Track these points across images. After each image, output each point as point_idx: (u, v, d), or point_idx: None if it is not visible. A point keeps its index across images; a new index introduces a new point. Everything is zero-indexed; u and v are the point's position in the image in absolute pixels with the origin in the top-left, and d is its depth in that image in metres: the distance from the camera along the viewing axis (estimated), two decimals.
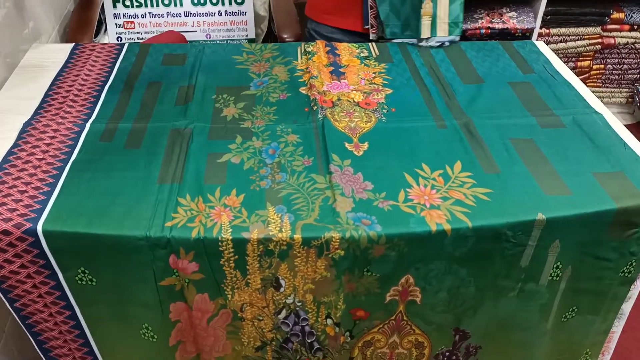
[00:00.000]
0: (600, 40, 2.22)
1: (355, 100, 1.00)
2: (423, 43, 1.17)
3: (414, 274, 0.81)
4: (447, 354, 0.92)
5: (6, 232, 0.74)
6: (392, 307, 0.84)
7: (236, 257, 0.77)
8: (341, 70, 1.09)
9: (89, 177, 0.82)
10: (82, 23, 1.55)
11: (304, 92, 1.03)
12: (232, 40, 1.89)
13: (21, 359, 1.11)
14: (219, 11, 2.02)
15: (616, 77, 2.34)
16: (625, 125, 0.99)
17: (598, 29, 2.20)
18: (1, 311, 1.04)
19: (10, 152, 0.85)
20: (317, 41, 1.18)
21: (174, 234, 0.74)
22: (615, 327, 0.95)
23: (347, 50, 1.16)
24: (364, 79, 1.07)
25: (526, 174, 0.84)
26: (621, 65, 2.30)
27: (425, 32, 1.16)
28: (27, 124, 0.91)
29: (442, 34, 1.16)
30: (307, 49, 1.15)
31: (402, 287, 0.82)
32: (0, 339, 1.05)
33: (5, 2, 1.14)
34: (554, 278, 0.85)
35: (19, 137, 0.88)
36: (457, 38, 1.17)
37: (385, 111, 0.98)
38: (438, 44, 1.17)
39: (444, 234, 0.76)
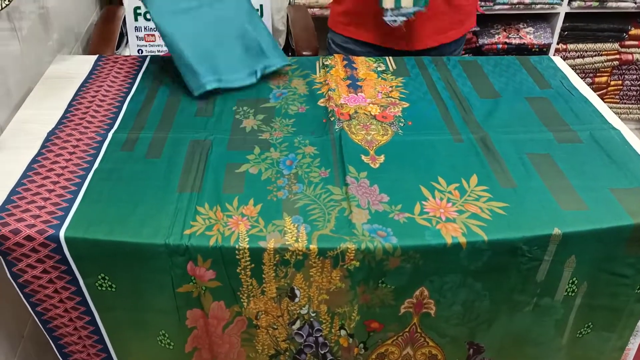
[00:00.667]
0: (618, 56, 2.22)
1: (372, 114, 1.02)
2: (388, 17, 1.13)
3: (429, 287, 0.81)
4: None
5: (29, 238, 0.76)
6: (406, 319, 0.85)
7: (252, 265, 0.78)
8: (358, 83, 1.11)
9: (110, 186, 0.84)
10: (104, 36, 1.59)
11: (322, 104, 1.04)
12: None
13: None
14: None
15: (634, 93, 2.33)
16: None
17: (616, 45, 2.20)
18: (20, 316, 1.06)
19: (34, 161, 0.88)
20: (335, 55, 1.20)
21: (192, 241, 0.75)
22: (631, 344, 0.94)
23: (364, 64, 1.17)
24: (381, 92, 1.08)
25: (543, 188, 0.85)
26: (639, 82, 2.29)
27: (387, 1, 1.12)
28: (51, 133, 0.94)
29: (406, 4, 1.12)
30: (325, 63, 1.17)
31: (416, 300, 0.82)
32: (19, 343, 1.07)
33: (30, 14, 1.18)
34: (570, 294, 0.85)
35: (42, 146, 0.91)
36: (424, 9, 1.12)
37: (401, 124, 0.99)
38: (403, 17, 1.13)
39: (459, 247, 0.76)
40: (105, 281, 0.81)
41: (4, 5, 0.93)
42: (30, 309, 0.85)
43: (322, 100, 1.05)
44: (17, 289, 0.82)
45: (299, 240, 0.76)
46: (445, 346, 0.89)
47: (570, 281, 0.83)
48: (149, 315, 0.85)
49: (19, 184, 0.83)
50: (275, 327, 0.85)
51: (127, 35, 1.72)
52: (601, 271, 0.84)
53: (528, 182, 0.86)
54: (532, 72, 1.16)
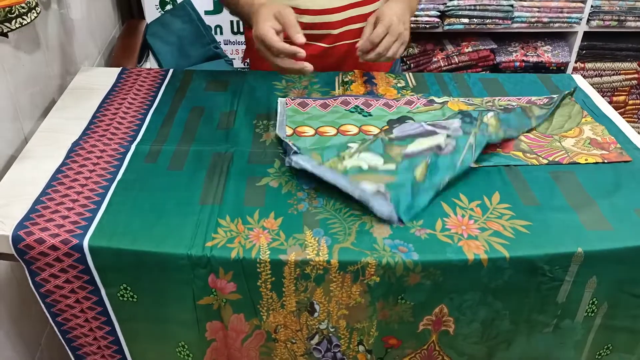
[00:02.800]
0: (636, 75, 2.21)
1: None
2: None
3: (448, 304, 0.80)
4: None
5: (54, 248, 0.77)
6: (424, 336, 0.84)
7: (273, 279, 0.78)
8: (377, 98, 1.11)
9: (133, 196, 0.85)
10: (126, 49, 1.61)
11: None
12: None
13: None
14: (240, 40, 2.07)
15: None
16: None
17: (634, 64, 2.19)
18: (38, 325, 1.07)
19: (58, 170, 0.89)
20: (354, 70, 1.20)
21: (214, 253, 0.76)
22: None
23: (384, 80, 1.18)
24: None
25: (566, 207, 0.84)
26: None
27: None
28: (76, 143, 0.95)
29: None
30: (345, 79, 1.18)
31: (435, 317, 0.82)
32: (36, 352, 1.08)
33: (55, 26, 1.20)
34: (590, 314, 0.84)
35: (67, 157, 0.92)
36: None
37: None
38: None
39: (480, 265, 0.76)
40: (127, 291, 0.81)
41: (32, 17, 0.95)
42: (50, 318, 0.85)
43: None
44: (39, 298, 0.83)
45: (320, 253, 0.76)
46: None
47: (591, 301, 0.82)
48: (169, 327, 0.85)
49: (43, 193, 0.84)
50: (294, 341, 0.85)
51: (149, 48, 1.75)
52: (622, 292, 0.83)
53: (551, 201, 0.85)
54: (554, 91, 1.15)
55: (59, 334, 0.88)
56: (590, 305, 0.83)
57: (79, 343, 0.89)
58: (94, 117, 1.03)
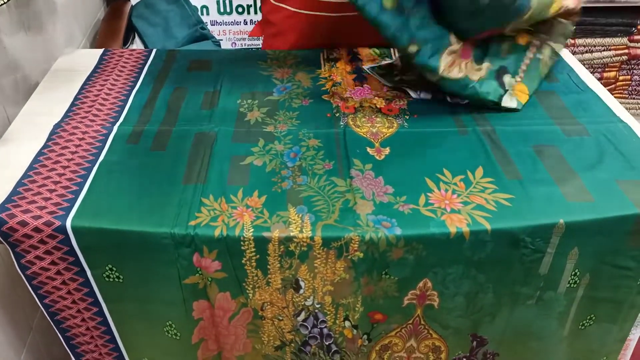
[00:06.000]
0: (627, 51, 2.20)
1: (378, 106, 1.02)
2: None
3: (432, 278, 0.81)
4: (464, 359, 0.92)
5: (37, 230, 0.77)
6: (409, 310, 0.85)
7: (257, 256, 0.78)
8: (364, 75, 1.11)
9: (116, 178, 0.85)
10: (111, 31, 1.60)
11: (326, 98, 1.04)
12: (258, 48, 1.93)
13: (47, 355, 1.14)
14: (244, 20, 2.06)
15: None
16: None
17: (625, 40, 2.18)
18: (28, 309, 1.07)
19: (40, 153, 0.89)
20: (340, 48, 1.20)
21: (197, 232, 0.76)
22: (632, 335, 0.94)
23: (369, 57, 1.17)
24: (386, 85, 1.08)
25: (549, 180, 0.84)
26: None
27: None
28: (57, 125, 0.95)
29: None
30: (330, 56, 1.17)
31: (420, 291, 0.83)
32: (27, 335, 1.08)
33: (38, 9, 1.19)
34: (572, 285, 0.85)
35: (49, 139, 0.92)
36: None
37: (407, 117, 0.99)
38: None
39: (462, 238, 0.76)
40: (113, 272, 0.82)
41: (5, 0, 0.94)
42: (38, 301, 0.86)
43: (326, 95, 1.05)
44: (26, 281, 0.83)
45: (304, 230, 0.77)
46: (448, 338, 0.89)
47: (573, 273, 0.83)
48: (155, 307, 0.86)
49: (25, 175, 0.84)
50: (281, 318, 0.86)
51: (134, 30, 1.73)
52: (604, 264, 0.84)
53: (534, 174, 0.86)
54: None
55: (47, 316, 0.88)
56: (572, 277, 0.84)
57: (67, 325, 0.90)
58: (75, 99, 1.02)
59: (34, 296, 0.85)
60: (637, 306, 0.90)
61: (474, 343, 0.90)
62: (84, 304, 0.86)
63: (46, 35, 1.23)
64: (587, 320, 0.91)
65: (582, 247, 0.81)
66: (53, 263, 0.81)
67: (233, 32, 2.08)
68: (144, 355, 0.94)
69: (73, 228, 0.76)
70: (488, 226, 0.76)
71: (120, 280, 0.82)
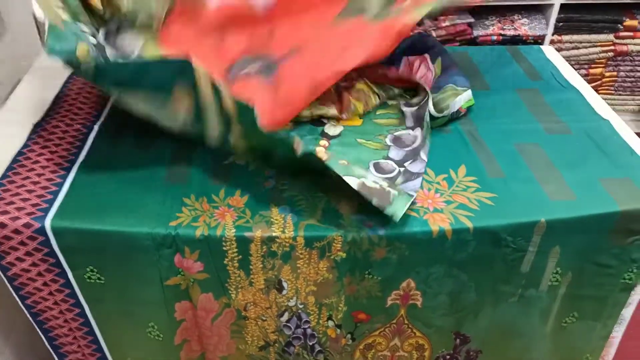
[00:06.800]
0: (612, 47, 2.21)
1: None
2: None
3: (415, 278, 0.81)
4: (448, 357, 0.93)
5: (17, 231, 0.76)
6: (393, 311, 0.85)
7: (240, 257, 0.78)
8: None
9: (96, 177, 0.84)
10: None
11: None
12: None
13: (31, 355, 1.12)
14: None
15: (629, 84, 2.32)
16: (637, 134, 0.98)
17: (611, 36, 2.19)
18: (12, 308, 1.06)
19: (19, 153, 0.87)
20: None
21: (178, 232, 0.75)
22: (615, 332, 0.95)
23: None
24: None
25: (531, 179, 0.85)
26: (634, 73, 2.29)
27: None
28: (37, 125, 0.93)
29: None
30: None
31: (403, 292, 0.83)
32: (10, 334, 1.07)
33: (20, 6, 1.17)
34: (554, 283, 0.85)
35: (28, 138, 0.90)
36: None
37: None
38: None
39: (444, 237, 0.76)
40: (94, 273, 0.81)
41: None
42: (20, 302, 0.85)
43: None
44: (7, 283, 0.82)
45: (286, 230, 0.76)
46: (432, 336, 0.89)
47: (554, 271, 0.84)
48: (137, 308, 0.85)
49: (4, 176, 0.83)
50: (264, 318, 0.85)
51: None
52: (586, 262, 0.85)
53: (516, 173, 0.86)
54: (523, 63, 1.15)
55: (30, 317, 0.88)
56: (554, 275, 0.84)
57: (50, 325, 0.89)
58: (56, 97, 1.01)
59: (16, 297, 0.84)
60: (620, 304, 0.90)
61: (457, 341, 0.90)
62: (66, 305, 0.86)
63: (29, 32, 1.21)
64: (570, 318, 0.92)
65: (564, 246, 0.81)
66: (34, 264, 0.80)
67: None
68: (127, 355, 0.94)
69: (53, 229, 0.76)
70: (470, 225, 0.76)
71: (102, 282, 0.82)
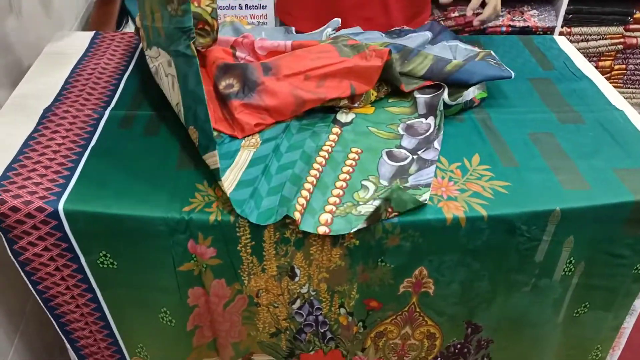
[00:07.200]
0: (622, 40, 2.20)
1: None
2: None
3: (428, 266, 0.81)
4: (459, 346, 0.92)
5: (30, 215, 0.76)
6: (405, 298, 0.85)
7: (253, 243, 0.77)
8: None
9: (108, 163, 0.83)
10: (103, 14, 1.57)
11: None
12: None
13: (41, 341, 1.13)
14: (239, 4, 2.03)
15: (638, 77, 2.31)
16: None
17: (620, 29, 2.18)
18: (22, 294, 1.06)
19: (30, 137, 0.87)
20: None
21: (192, 217, 0.75)
22: (626, 323, 0.94)
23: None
24: None
25: (545, 168, 0.84)
26: None
27: None
28: (48, 109, 0.93)
29: None
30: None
31: (415, 279, 0.82)
32: (20, 321, 1.07)
33: None
34: (567, 273, 0.85)
35: (39, 122, 0.90)
36: None
37: None
38: None
39: (458, 225, 0.76)
40: (107, 258, 0.81)
41: None
42: (31, 287, 0.85)
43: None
44: (19, 267, 0.82)
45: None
46: (443, 325, 0.89)
47: (568, 261, 0.83)
48: (150, 293, 0.85)
49: (15, 160, 0.82)
50: (276, 305, 0.85)
51: (128, 14, 1.70)
52: (599, 252, 0.84)
53: (530, 162, 0.85)
54: (535, 53, 1.14)
55: (41, 302, 0.87)
56: (567, 265, 0.84)
57: (61, 311, 0.89)
58: (66, 82, 1.00)
59: (28, 283, 0.84)
60: (632, 294, 0.90)
61: (469, 330, 0.90)
62: (78, 290, 0.86)
63: (37, 19, 1.21)
64: (582, 308, 0.91)
65: (578, 235, 0.81)
66: (46, 249, 0.80)
67: (228, 17, 2.05)
68: (139, 341, 0.94)
69: (65, 212, 0.75)
70: (485, 213, 0.76)
71: (115, 267, 0.82)
